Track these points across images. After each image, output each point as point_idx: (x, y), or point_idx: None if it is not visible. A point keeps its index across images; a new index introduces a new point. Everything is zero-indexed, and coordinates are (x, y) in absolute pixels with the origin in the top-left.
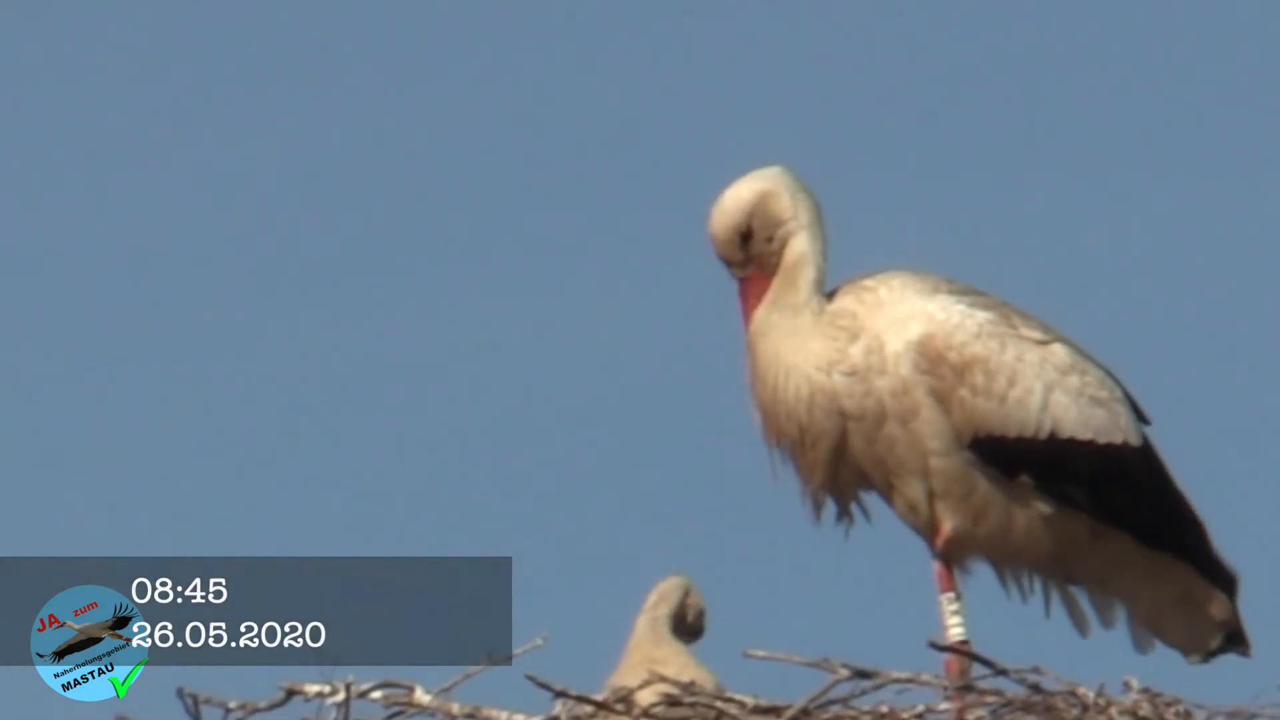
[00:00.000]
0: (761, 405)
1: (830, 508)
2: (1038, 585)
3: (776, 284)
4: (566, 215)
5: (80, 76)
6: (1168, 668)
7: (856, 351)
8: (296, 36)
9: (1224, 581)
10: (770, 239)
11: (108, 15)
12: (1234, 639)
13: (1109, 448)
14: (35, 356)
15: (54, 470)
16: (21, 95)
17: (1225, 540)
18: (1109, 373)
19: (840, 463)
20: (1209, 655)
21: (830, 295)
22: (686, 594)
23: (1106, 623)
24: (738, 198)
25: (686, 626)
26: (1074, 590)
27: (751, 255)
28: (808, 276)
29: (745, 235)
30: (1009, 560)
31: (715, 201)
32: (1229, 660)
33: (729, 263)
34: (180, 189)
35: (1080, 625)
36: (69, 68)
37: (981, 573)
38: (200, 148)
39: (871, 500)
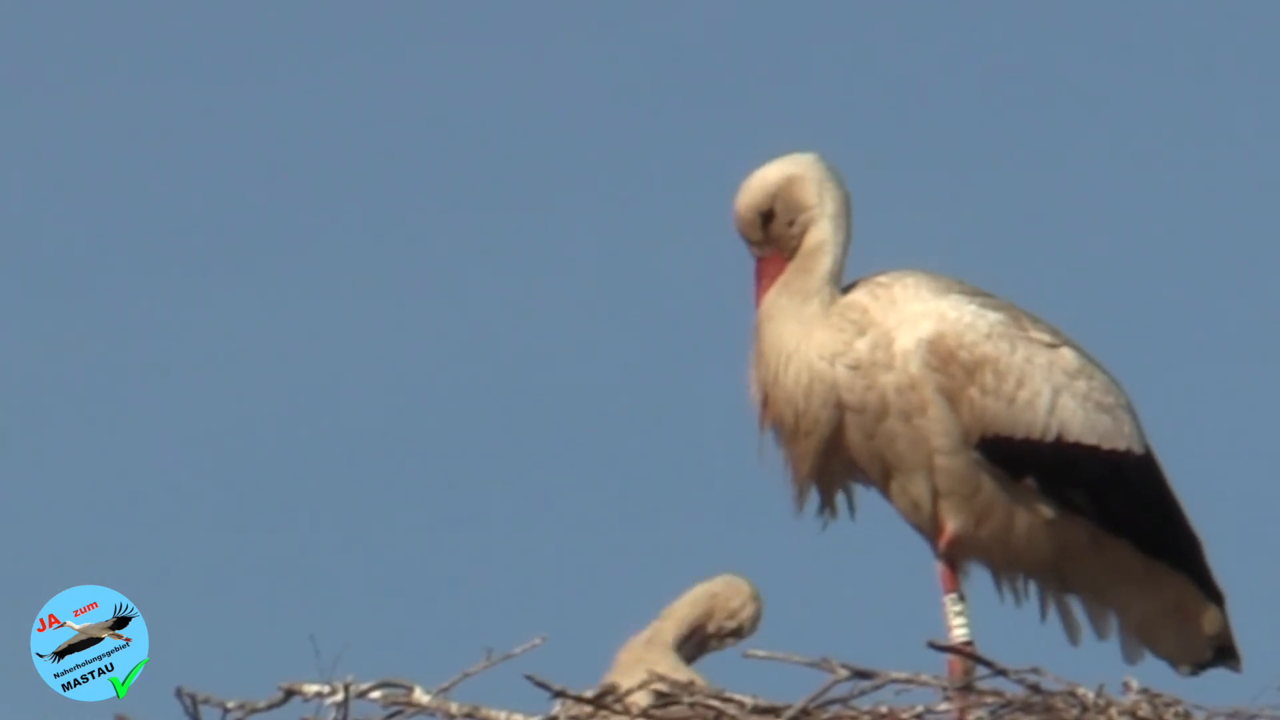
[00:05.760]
0: (760, 387)
1: (814, 499)
2: (1033, 590)
3: (791, 268)
4: (574, 208)
5: None
6: (1166, 669)
7: (863, 345)
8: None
9: (1217, 595)
10: (791, 223)
11: None
12: (1225, 652)
13: (1113, 454)
14: None
15: None
16: None
17: (1220, 544)
18: (1115, 379)
19: (832, 454)
20: (1199, 668)
21: (846, 290)
22: (714, 603)
23: (1100, 632)
24: (764, 178)
25: (708, 637)
26: (1069, 598)
27: (771, 237)
28: (823, 265)
29: (767, 216)
30: (1007, 564)
31: (744, 179)
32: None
33: (748, 241)
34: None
35: (1073, 633)
36: None
37: (979, 574)
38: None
39: (871, 499)
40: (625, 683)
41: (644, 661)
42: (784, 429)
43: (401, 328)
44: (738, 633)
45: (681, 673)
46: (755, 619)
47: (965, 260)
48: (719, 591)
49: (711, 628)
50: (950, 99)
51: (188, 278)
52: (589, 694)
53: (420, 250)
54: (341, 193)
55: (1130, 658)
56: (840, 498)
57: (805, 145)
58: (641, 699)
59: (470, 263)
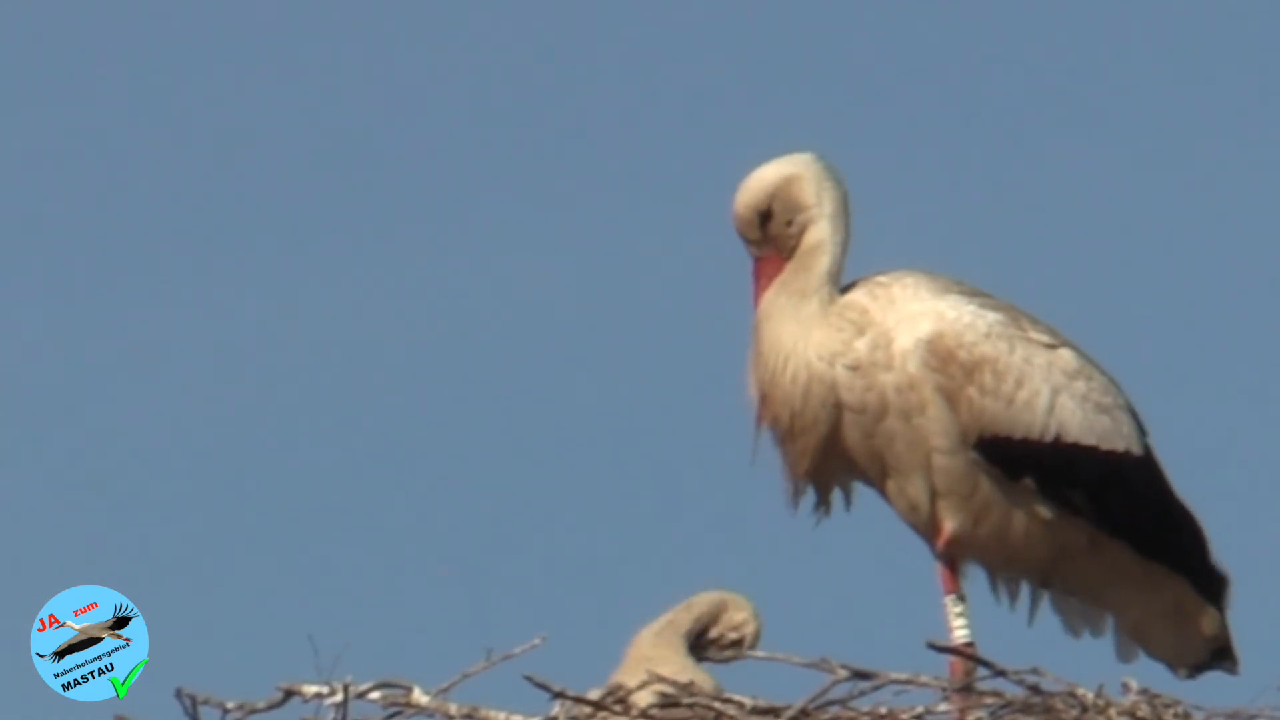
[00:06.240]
0: (758, 386)
1: (809, 496)
2: (1026, 592)
3: (789, 268)
4: (573, 208)
5: None
6: (1166, 669)
7: (862, 346)
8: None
9: (1216, 592)
10: (790, 223)
11: None
12: (1221, 654)
13: (1111, 454)
14: None
15: None
16: None
17: (1220, 545)
18: (1114, 380)
19: (830, 454)
20: (1196, 670)
21: (845, 290)
22: (720, 610)
23: (1095, 630)
24: (762, 178)
25: (709, 642)
26: (1066, 597)
27: (769, 236)
28: (821, 264)
29: (765, 216)
30: (1004, 564)
31: (743, 179)
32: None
33: (746, 240)
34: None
35: (1072, 625)
36: None
37: (977, 575)
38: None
39: (871, 498)
40: (631, 682)
41: (651, 660)
42: (780, 428)
43: (401, 327)
44: (737, 645)
45: (689, 670)
46: (755, 637)
47: (965, 260)
48: (729, 601)
49: (714, 633)
50: (949, 99)
51: (186, 278)
52: (590, 694)
53: (421, 250)
54: (337, 191)
55: (1124, 657)
56: (837, 493)
57: (805, 145)
58: (642, 699)
59: (471, 262)
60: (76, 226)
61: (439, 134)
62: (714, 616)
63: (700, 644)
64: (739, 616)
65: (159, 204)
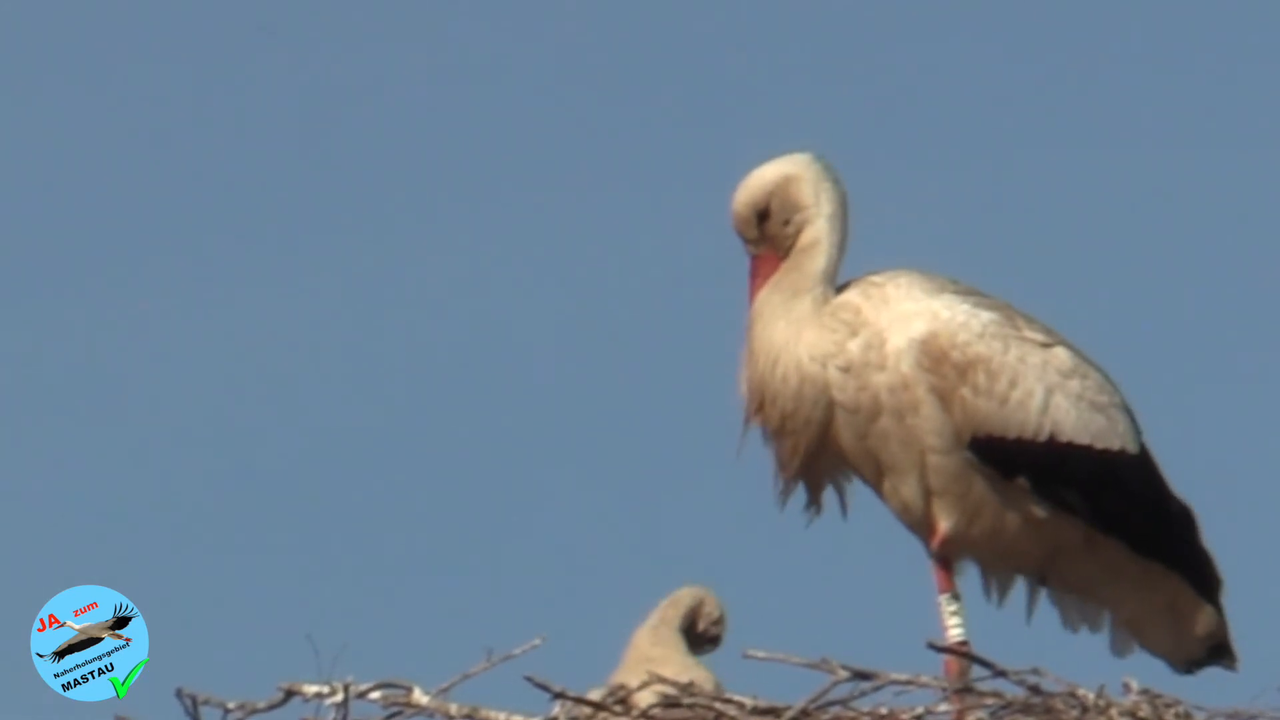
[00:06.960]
0: (749, 384)
1: (799, 493)
2: (1020, 590)
3: (784, 267)
4: (571, 207)
5: None
6: (1166, 669)
7: (855, 346)
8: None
9: (1212, 594)
10: (787, 223)
11: None
12: (1219, 651)
13: (1106, 453)
14: None
15: None
16: None
17: (1219, 545)
18: (1109, 379)
19: (822, 453)
20: (1193, 667)
21: (840, 290)
22: (700, 603)
23: (1092, 626)
24: (761, 177)
25: (696, 635)
26: (1061, 594)
27: (766, 235)
28: (816, 264)
29: (763, 215)
30: (998, 563)
31: (741, 178)
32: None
33: (744, 239)
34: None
35: (1069, 620)
36: None
37: (972, 574)
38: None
39: (866, 497)
40: (632, 682)
41: (653, 660)
42: (771, 426)
43: (399, 327)
44: (716, 640)
45: (690, 669)
46: (724, 632)
47: (962, 260)
48: (703, 597)
49: (700, 628)
50: (950, 99)
51: (185, 278)
52: (591, 695)
53: (419, 250)
54: (336, 192)
55: (1119, 652)
56: (835, 496)
57: (805, 145)
58: (643, 699)
59: (471, 263)
60: (76, 226)
61: (437, 134)
62: (697, 610)
63: (694, 641)
64: (716, 612)
65: (159, 203)
